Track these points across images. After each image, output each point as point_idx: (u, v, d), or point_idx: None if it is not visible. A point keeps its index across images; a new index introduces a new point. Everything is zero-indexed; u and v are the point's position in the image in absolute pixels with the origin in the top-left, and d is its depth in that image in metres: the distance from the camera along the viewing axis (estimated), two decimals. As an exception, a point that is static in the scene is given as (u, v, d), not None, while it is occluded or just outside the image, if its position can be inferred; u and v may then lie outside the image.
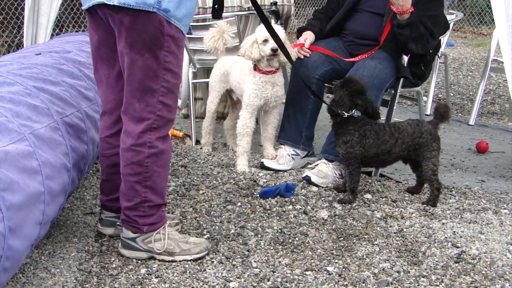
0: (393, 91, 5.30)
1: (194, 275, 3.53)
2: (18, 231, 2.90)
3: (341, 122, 4.67)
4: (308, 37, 5.37)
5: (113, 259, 3.70)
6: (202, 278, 3.50)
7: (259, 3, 4.39)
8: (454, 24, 9.77)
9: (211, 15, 4.13)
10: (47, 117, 3.60)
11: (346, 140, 4.64)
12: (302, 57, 5.31)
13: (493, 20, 5.07)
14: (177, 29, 3.40)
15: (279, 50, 4.98)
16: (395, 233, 4.18)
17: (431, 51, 5.36)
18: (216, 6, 3.88)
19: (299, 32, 5.52)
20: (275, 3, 6.10)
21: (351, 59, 5.25)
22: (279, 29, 5.09)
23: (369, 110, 4.64)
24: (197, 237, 3.91)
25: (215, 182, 4.98)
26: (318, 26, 5.51)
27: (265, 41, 5.06)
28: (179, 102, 6.73)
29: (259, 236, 4.06)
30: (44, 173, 3.22)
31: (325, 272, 3.64)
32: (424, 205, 4.64)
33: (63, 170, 3.53)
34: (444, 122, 4.79)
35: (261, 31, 5.09)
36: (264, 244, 3.96)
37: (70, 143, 3.75)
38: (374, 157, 4.69)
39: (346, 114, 4.59)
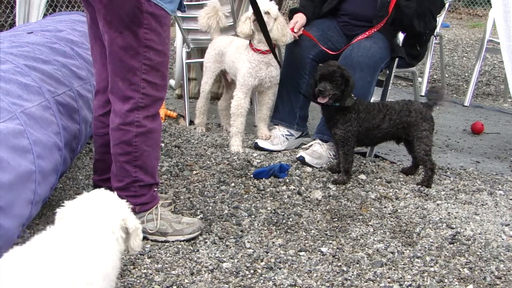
0: (388, 72, 5.26)
1: (187, 256, 3.51)
2: (8, 210, 2.87)
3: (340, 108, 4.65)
4: (299, 20, 5.31)
5: (105, 240, 3.67)
6: (195, 259, 3.48)
7: None
8: (449, 5, 9.72)
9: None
10: (38, 96, 3.56)
11: (346, 119, 4.62)
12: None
13: (488, 0, 5.04)
14: (158, 6, 3.34)
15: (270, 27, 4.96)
16: (389, 214, 4.17)
17: (427, 31, 5.33)
18: None
19: (291, 13, 5.46)
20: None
21: (335, 53, 5.18)
22: (272, 6, 5.05)
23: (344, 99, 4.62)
24: (190, 217, 3.89)
25: (208, 162, 4.95)
26: (310, 8, 5.45)
27: None
28: (173, 82, 6.71)
29: (253, 216, 4.04)
30: (35, 152, 3.19)
31: (319, 252, 3.62)
32: (419, 186, 4.62)
33: (54, 149, 3.50)
34: (438, 102, 4.75)
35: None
36: (257, 224, 3.94)
37: (62, 122, 3.71)
38: (366, 132, 4.68)
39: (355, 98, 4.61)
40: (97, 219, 2.59)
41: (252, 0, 4.50)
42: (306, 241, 3.75)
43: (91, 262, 2.40)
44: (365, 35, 5.08)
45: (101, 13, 3.34)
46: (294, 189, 4.50)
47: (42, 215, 3.86)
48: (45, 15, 6.34)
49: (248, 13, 5.10)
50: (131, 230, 2.71)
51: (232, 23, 5.73)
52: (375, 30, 5.08)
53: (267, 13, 5.02)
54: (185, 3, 5.58)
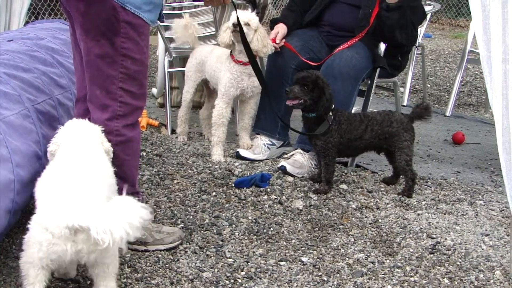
0: (369, 82, 5.28)
1: (167, 265, 3.50)
2: (-14, 219, 2.86)
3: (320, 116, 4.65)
4: (280, 30, 5.31)
5: (85, 249, 3.64)
6: (175, 268, 3.47)
7: None
8: (431, 16, 9.77)
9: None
10: (18, 104, 3.53)
11: (326, 130, 4.62)
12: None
13: (470, 12, 5.05)
14: (135, 15, 3.33)
15: (251, 38, 4.98)
16: (370, 223, 4.17)
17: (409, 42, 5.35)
18: None
19: (272, 23, 5.46)
20: (252, -8, 6.06)
21: (317, 63, 5.18)
22: (252, 17, 5.06)
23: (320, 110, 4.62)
24: (170, 226, 3.87)
25: (190, 171, 4.94)
26: (291, 18, 5.46)
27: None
28: (155, 91, 6.69)
29: (234, 226, 4.03)
30: (14, 161, 3.16)
31: (300, 262, 3.62)
32: (400, 196, 4.63)
33: (34, 158, 3.47)
34: (422, 119, 4.78)
35: (234, 17, 5.04)
36: (238, 234, 3.93)
37: (42, 130, 3.69)
38: (348, 143, 4.69)
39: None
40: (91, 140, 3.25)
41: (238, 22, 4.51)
42: (286, 251, 3.75)
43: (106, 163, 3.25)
44: (346, 45, 5.09)
45: (78, 21, 3.33)
46: (275, 198, 4.50)
47: (22, 224, 3.82)
48: (27, 22, 6.31)
49: (229, 23, 5.10)
50: (106, 149, 3.31)
51: (213, 32, 5.73)
52: (356, 40, 5.10)
53: (247, 24, 5.03)
54: (166, 12, 5.62)
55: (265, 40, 5.09)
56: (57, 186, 2.85)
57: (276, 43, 5.22)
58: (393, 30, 5.06)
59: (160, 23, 5.55)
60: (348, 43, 5.10)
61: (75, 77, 3.72)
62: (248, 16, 5.06)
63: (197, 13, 5.79)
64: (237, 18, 4.71)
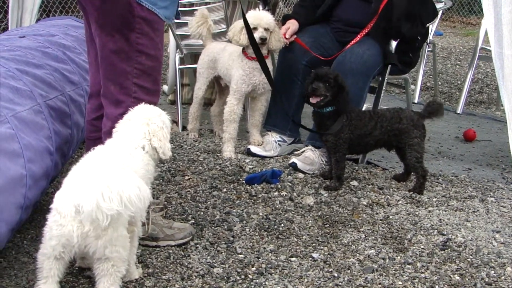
0: (380, 78, 5.27)
1: (178, 261, 3.51)
2: (-2, 214, 2.87)
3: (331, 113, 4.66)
4: (290, 26, 5.31)
5: (96, 244, 3.65)
6: (186, 264, 3.47)
7: None
8: (443, 13, 9.74)
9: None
10: (29, 100, 3.55)
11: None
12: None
13: (482, 9, 5.02)
14: (150, 11, 3.35)
15: (268, 39, 5.02)
16: (381, 220, 4.17)
17: (419, 37, 5.33)
18: None
19: (284, 19, 5.46)
20: (263, -11, 6.06)
21: (327, 58, 5.18)
22: (270, 21, 5.07)
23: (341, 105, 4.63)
24: (181, 222, 3.88)
25: (201, 168, 4.94)
26: (303, 14, 5.45)
27: (254, 28, 5.02)
28: (166, 88, 6.71)
29: (244, 222, 4.04)
30: (26, 156, 3.18)
31: (310, 258, 3.62)
32: (411, 193, 4.63)
33: (45, 154, 3.49)
34: (434, 118, 4.78)
35: (250, 18, 5.03)
36: (249, 230, 3.93)
37: (54, 126, 3.70)
38: (358, 139, 4.68)
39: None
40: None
41: (244, 20, 4.51)
42: (297, 247, 3.75)
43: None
44: (357, 39, 5.08)
45: (93, 17, 3.35)
46: (286, 195, 4.50)
47: (33, 220, 3.84)
48: (38, 20, 6.33)
49: (242, 22, 5.09)
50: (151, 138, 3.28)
51: (224, 29, 5.73)
52: (366, 31, 5.09)
53: (267, 29, 5.06)
54: (178, 9, 5.60)
55: (281, 38, 5.15)
56: (73, 172, 2.90)
57: (286, 38, 5.22)
58: (399, 20, 5.03)
59: (176, 20, 5.57)
60: (359, 36, 5.09)
61: (89, 72, 3.74)
62: (266, 21, 5.07)
63: (208, 10, 5.79)
64: (246, 23, 4.72)
